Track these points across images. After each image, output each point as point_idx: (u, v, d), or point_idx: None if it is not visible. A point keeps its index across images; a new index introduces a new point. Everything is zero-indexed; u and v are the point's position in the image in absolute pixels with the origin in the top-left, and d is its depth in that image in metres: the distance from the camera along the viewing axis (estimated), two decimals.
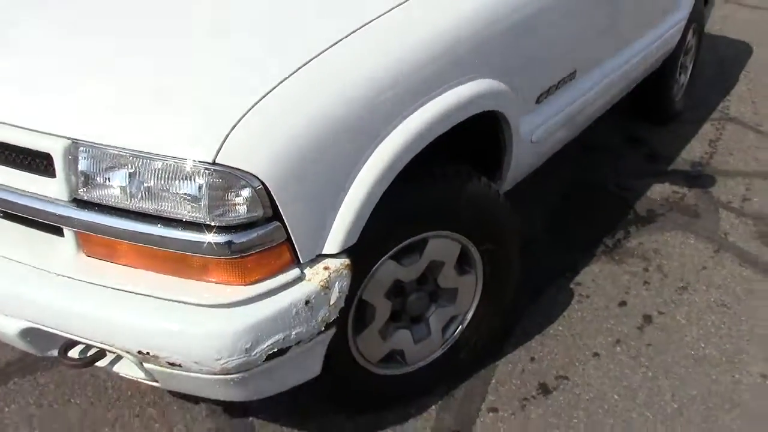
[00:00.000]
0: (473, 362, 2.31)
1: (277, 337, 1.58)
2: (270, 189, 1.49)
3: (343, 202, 1.62)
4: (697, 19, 3.93)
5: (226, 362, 1.54)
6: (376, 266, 1.88)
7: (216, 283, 1.55)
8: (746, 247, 3.07)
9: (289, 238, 1.56)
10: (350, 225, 1.63)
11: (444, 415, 2.18)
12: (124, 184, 1.52)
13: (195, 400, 2.21)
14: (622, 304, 2.69)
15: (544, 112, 2.34)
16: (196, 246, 1.50)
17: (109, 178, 1.52)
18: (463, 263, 2.11)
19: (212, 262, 1.53)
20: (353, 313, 1.91)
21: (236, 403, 2.15)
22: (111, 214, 1.54)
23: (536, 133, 2.31)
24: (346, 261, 1.66)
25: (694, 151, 3.89)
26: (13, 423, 2.12)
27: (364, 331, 1.97)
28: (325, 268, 1.63)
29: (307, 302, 1.60)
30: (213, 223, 1.49)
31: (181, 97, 1.53)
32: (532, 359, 2.41)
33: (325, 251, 1.63)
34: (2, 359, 2.33)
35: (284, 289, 1.59)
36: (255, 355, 1.56)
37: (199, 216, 1.49)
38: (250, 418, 2.17)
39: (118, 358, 1.71)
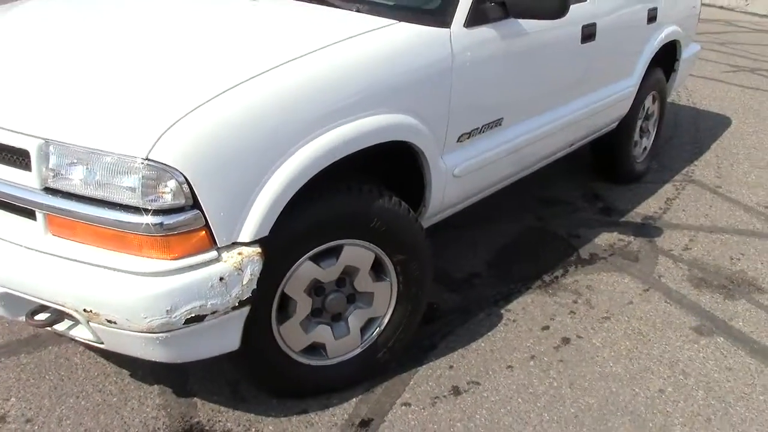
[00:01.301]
0: (392, 362, 2.63)
1: (194, 304, 1.95)
2: (191, 183, 1.89)
3: (255, 200, 2.01)
4: (656, 88, 4.31)
5: (151, 321, 1.92)
6: (296, 264, 2.25)
7: (147, 257, 1.94)
8: (676, 287, 3.37)
9: (207, 225, 1.95)
10: (261, 219, 2.02)
11: (362, 405, 2.51)
12: (82, 176, 1.93)
13: (150, 381, 2.57)
14: (545, 328, 3.00)
15: (466, 150, 2.72)
16: (134, 226, 1.91)
17: (71, 171, 1.94)
18: (378, 270, 2.46)
19: (145, 239, 1.93)
20: (276, 304, 2.27)
21: (182, 387, 2.52)
22: (73, 200, 1.95)
23: (458, 168, 2.68)
24: (258, 250, 2.04)
25: (649, 207, 4.22)
26: None
27: (287, 321, 2.33)
28: (239, 253, 2.01)
29: (221, 279, 1.98)
30: (147, 207, 1.89)
31: (127, 106, 1.96)
32: (451, 367, 2.73)
33: (240, 239, 2.01)
34: None
35: (203, 266, 1.97)
36: (175, 317, 1.94)
37: (135, 201, 1.90)
38: (194, 398, 2.51)
39: (74, 324, 2.10)
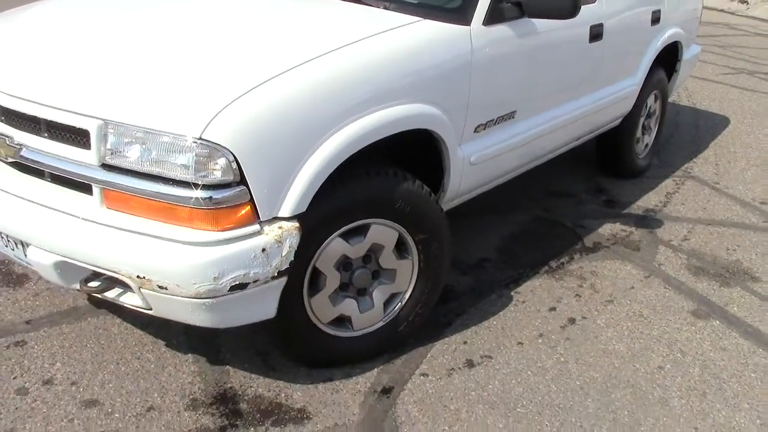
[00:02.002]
0: (412, 337, 2.82)
1: (238, 273, 2.14)
2: (239, 161, 2.08)
3: (295, 179, 2.21)
4: (658, 87, 4.52)
5: (199, 287, 2.11)
6: (327, 241, 2.44)
7: (196, 229, 2.13)
8: (675, 275, 3.57)
9: (252, 200, 2.14)
10: (300, 197, 2.21)
11: (382, 375, 2.70)
12: (138, 154, 2.12)
13: (185, 350, 2.76)
14: (552, 309, 3.20)
15: (482, 140, 2.92)
16: (185, 200, 2.10)
17: (129, 149, 2.13)
18: (401, 249, 2.66)
19: (195, 212, 2.12)
20: (308, 277, 2.46)
21: (216, 356, 2.72)
22: (129, 175, 2.14)
23: (474, 156, 2.88)
24: (296, 224, 2.23)
25: (650, 200, 4.42)
26: (41, 357, 2.70)
27: (317, 294, 2.52)
28: (279, 227, 2.21)
29: (263, 250, 2.17)
30: (198, 183, 2.08)
31: (181, 90, 2.16)
32: (465, 342, 2.92)
33: (280, 214, 2.21)
34: (35, 314, 2.92)
35: (247, 238, 2.16)
36: (221, 284, 2.13)
37: (188, 177, 2.09)
38: (227, 366, 2.71)
39: (124, 291, 2.29)
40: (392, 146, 2.53)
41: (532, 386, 2.70)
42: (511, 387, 2.68)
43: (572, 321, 3.12)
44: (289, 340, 2.58)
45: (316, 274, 2.49)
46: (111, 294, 2.31)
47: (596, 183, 4.60)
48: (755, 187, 4.75)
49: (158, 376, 2.63)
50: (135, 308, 2.32)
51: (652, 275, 3.55)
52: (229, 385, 2.60)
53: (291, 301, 2.41)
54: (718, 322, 3.21)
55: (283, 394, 2.56)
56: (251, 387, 2.60)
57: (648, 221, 4.14)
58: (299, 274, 2.40)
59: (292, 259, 2.25)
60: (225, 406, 2.49)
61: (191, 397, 2.52)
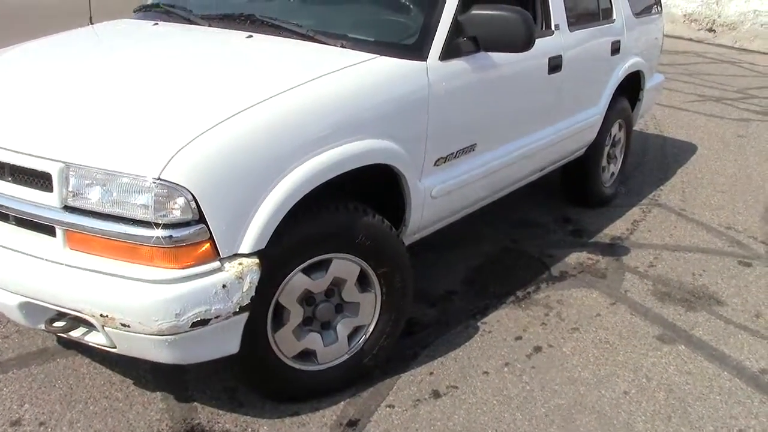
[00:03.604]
0: (378, 369, 2.86)
1: (199, 309, 2.18)
2: (198, 200, 2.13)
3: (254, 216, 2.26)
4: (622, 116, 4.62)
5: (161, 324, 2.15)
6: (289, 276, 2.48)
7: (157, 267, 2.17)
8: (641, 301, 3.63)
9: (211, 238, 2.19)
10: (259, 233, 2.26)
11: (349, 407, 2.73)
12: (99, 195, 2.17)
13: (153, 388, 2.78)
14: (518, 338, 3.25)
15: (443, 174, 2.98)
16: (146, 239, 2.14)
17: (90, 191, 2.18)
18: (364, 282, 2.70)
19: (156, 251, 2.16)
20: (272, 312, 2.50)
21: (183, 393, 2.74)
22: (91, 216, 2.19)
23: (435, 189, 2.94)
24: (256, 260, 2.28)
25: (617, 228, 4.50)
26: (9, 398, 2.71)
27: (281, 329, 2.55)
28: (240, 263, 2.25)
29: (224, 286, 2.21)
30: (158, 222, 2.13)
31: (140, 132, 2.22)
32: (431, 374, 2.96)
33: (240, 251, 2.25)
34: (4, 356, 2.93)
35: (207, 275, 2.20)
36: (183, 321, 2.16)
37: (148, 217, 2.13)
38: (194, 403, 2.73)
39: (89, 330, 2.32)
40: (355, 181, 2.59)
41: (497, 415, 2.73)
42: (476, 416, 2.72)
43: (538, 349, 3.16)
44: (254, 375, 2.61)
45: (280, 308, 2.52)
46: (76, 333, 2.34)
47: (563, 213, 4.67)
48: (721, 213, 4.84)
49: (126, 414, 2.64)
50: (100, 347, 2.35)
51: (618, 302, 3.60)
52: (196, 422, 2.62)
53: (255, 336, 2.45)
54: (683, 346, 3.27)
55: (249, 429, 2.59)
56: (218, 423, 2.61)
57: (614, 249, 4.21)
58: (262, 310, 2.44)
59: (253, 294, 2.29)
60: None
61: None
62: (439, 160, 2.92)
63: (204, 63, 2.74)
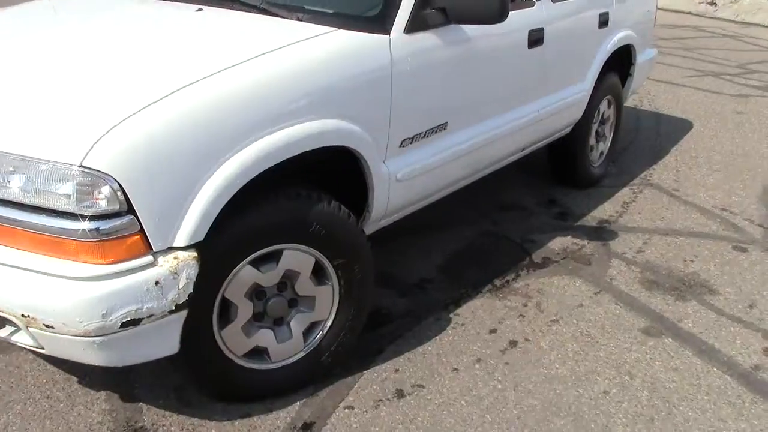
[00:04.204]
0: (339, 366, 2.66)
1: (129, 308, 1.98)
2: (125, 189, 1.92)
3: (190, 205, 2.04)
4: (611, 92, 4.38)
5: (87, 325, 1.95)
6: (236, 269, 2.28)
7: (83, 262, 1.97)
8: (627, 290, 3.43)
9: (142, 230, 1.98)
10: (196, 225, 2.06)
11: (305, 409, 2.54)
12: (20, 184, 1.96)
13: (98, 387, 2.59)
14: (493, 331, 3.05)
15: (410, 155, 2.76)
16: (71, 232, 1.93)
17: (9, 179, 1.96)
18: (320, 275, 2.50)
19: (81, 245, 1.95)
20: (217, 308, 2.30)
21: (129, 392, 2.56)
22: (12, 207, 1.98)
23: (402, 173, 2.73)
24: (194, 254, 2.08)
25: (605, 210, 4.29)
26: None
27: (228, 325, 2.35)
28: (175, 258, 2.04)
29: (157, 282, 2.01)
30: (83, 213, 1.91)
31: (62, 116, 2.00)
32: (396, 371, 2.76)
33: (175, 244, 2.04)
34: None
35: (138, 271, 2.00)
36: (111, 321, 1.96)
37: (71, 208, 1.92)
38: (140, 403, 2.53)
39: (16, 330, 2.12)
40: (315, 166, 2.38)
41: (465, 417, 2.54)
42: (441, 418, 2.53)
43: (513, 344, 2.97)
44: (201, 375, 2.42)
45: (227, 304, 2.32)
46: (2, 333, 2.15)
47: (549, 194, 4.45)
48: (716, 193, 4.63)
49: (66, 416, 2.46)
50: (28, 348, 2.15)
51: (602, 291, 3.40)
52: (140, 424, 2.43)
53: (199, 334, 2.26)
54: (670, 339, 3.07)
55: None
56: (163, 425, 2.43)
57: (601, 233, 4.00)
58: (206, 306, 2.25)
59: (192, 291, 2.09)
60: None
61: None
62: (405, 141, 2.71)
63: (145, 38, 2.52)
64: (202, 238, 2.08)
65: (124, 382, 2.60)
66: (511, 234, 3.92)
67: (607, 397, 2.69)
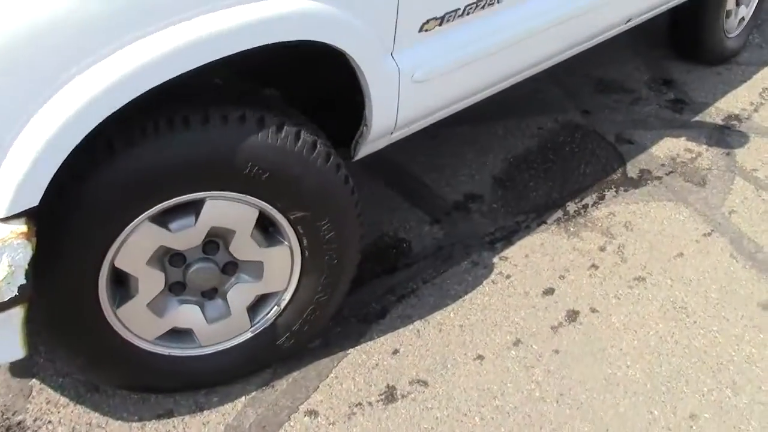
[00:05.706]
0: (300, 350, 1.88)
1: None
2: None
3: (7, 153, 1.20)
4: None
5: None
6: (126, 230, 1.46)
7: None
8: (750, 232, 2.42)
9: None
10: (20, 185, 1.23)
11: (248, 410, 1.79)
12: None
13: None
14: (548, 292, 2.16)
15: (434, 43, 1.80)
16: None
17: None
18: (272, 232, 1.65)
19: None
20: (107, 281, 1.52)
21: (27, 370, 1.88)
22: None
23: (422, 70, 1.77)
24: (21, 228, 1.26)
25: (737, 100, 3.15)
26: None
27: (127, 303, 1.57)
28: None
29: None
30: None
31: None
32: (395, 352, 1.95)
33: None
34: None
35: None
36: None
37: None
38: (31, 381, 1.84)
39: None
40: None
41: None
42: None
43: (573, 316, 2.08)
44: (96, 367, 1.72)
45: (122, 275, 1.52)
46: None
47: (665, 72, 3.32)
48: None
49: None
50: None
51: (715, 232, 2.41)
52: (19, 418, 1.75)
53: (79, 318, 1.53)
54: None
55: None
56: (50, 422, 1.74)
57: (727, 136, 2.91)
58: (87, 279, 1.49)
59: (24, 281, 1.28)
60: None
61: None
62: (428, 22, 1.72)
63: None
64: (35, 203, 1.25)
65: (23, 369, 1.89)
66: (603, 129, 2.89)
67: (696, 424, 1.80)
